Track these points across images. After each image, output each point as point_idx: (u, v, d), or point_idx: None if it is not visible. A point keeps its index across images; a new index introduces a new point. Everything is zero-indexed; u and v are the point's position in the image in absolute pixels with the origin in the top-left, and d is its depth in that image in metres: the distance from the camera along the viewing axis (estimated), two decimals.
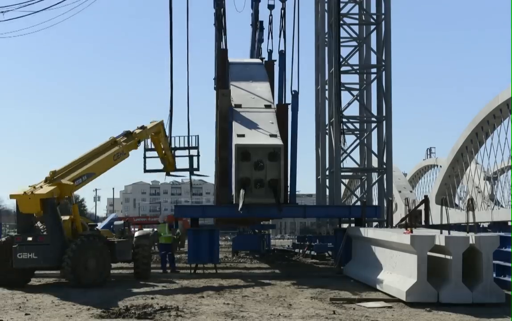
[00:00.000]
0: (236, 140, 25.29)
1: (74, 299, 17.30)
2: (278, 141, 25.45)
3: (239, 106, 28.37)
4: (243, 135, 25.78)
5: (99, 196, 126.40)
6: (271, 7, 40.55)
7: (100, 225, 30.54)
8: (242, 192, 23.98)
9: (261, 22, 42.06)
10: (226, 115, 28.01)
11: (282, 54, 34.38)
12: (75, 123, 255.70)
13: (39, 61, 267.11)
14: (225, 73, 32.87)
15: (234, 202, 24.99)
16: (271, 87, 31.80)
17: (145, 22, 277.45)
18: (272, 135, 25.86)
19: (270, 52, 39.71)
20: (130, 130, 25.24)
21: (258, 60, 38.02)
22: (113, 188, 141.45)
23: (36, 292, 18.93)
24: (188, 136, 29.10)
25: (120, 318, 14.40)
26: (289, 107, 28.33)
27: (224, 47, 34.84)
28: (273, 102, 29.67)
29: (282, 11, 37.17)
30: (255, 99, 29.49)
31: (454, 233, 17.28)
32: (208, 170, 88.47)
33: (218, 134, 30.94)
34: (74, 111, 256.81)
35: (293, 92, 28.65)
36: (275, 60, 35.89)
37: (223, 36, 35.54)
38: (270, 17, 40.62)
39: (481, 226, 28.94)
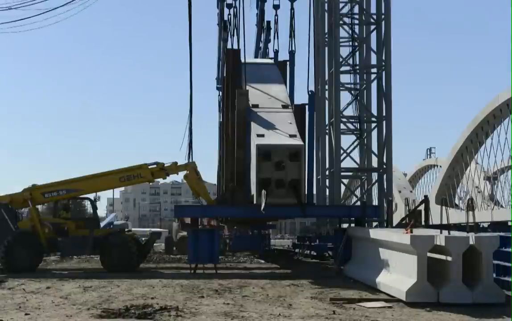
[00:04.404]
0: (257, 140, 25.11)
1: (74, 299, 17.31)
2: (299, 141, 25.33)
3: (256, 106, 28.23)
4: (262, 135, 25.63)
5: (99, 196, 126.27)
6: (276, 7, 40.56)
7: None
8: (264, 192, 23.84)
9: (268, 22, 42.06)
10: (244, 115, 27.81)
11: (292, 54, 34.34)
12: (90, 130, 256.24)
13: (40, 59, 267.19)
14: (237, 73, 32.60)
15: (255, 203, 24.87)
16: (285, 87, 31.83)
17: (147, 23, 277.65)
18: (291, 135, 25.72)
19: (276, 52, 39.67)
20: (159, 161, 27.66)
21: (271, 61, 37.94)
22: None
23: (36, 292, 18.94)
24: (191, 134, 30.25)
25: (120, 318, 14.39)
26: (306, 107, 28.28)
27: (237, 47, 34.71)
28: (290, 103, 29.59)
29: (292, 11, 37.24)
30: (271, 99, 29.38)
31: (454, 233, 17.29)
32: (210, 170, 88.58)
33: (225, 134, 30.75)
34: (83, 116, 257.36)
35: (309, 93, 28.62)
36: (287, 61, 35.90)
37: (235, 37, 35.44)
38: (276, 17, 40.67)
39: (481, 226, 28.97)
